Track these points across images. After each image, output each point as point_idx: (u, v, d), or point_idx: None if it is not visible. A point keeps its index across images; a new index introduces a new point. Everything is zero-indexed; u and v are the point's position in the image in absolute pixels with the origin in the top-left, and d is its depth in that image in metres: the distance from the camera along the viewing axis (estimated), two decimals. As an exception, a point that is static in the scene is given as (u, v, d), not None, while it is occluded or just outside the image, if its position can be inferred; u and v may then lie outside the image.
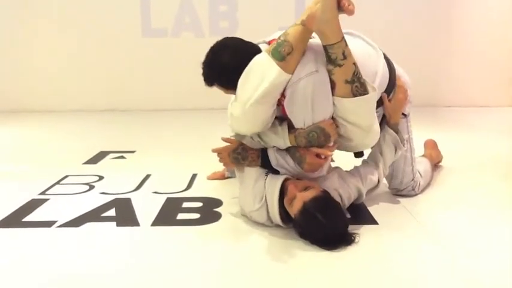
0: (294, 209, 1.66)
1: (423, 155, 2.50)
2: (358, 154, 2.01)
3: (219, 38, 4.75)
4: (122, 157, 3.00)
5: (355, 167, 2.01)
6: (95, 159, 2.93)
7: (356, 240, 1.67)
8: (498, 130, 3.81)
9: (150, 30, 4.76)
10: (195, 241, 1.77)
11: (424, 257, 1.60)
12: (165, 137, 3.64)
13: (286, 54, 1.65)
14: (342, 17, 1.68)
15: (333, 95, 1.71)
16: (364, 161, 2.03)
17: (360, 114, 1.74)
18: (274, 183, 1.77)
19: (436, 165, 2.55)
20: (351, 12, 1.64)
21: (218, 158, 1.97)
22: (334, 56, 1.66)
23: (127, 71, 4.80)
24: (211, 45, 1.78)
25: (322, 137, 1.73)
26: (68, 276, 1.51)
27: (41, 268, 1.56)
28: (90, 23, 4.70)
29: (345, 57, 1.66)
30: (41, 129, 3.99)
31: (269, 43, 1.81)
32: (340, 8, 1.63)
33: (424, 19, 4.72)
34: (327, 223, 1.61)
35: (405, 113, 2.06)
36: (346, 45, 1.67)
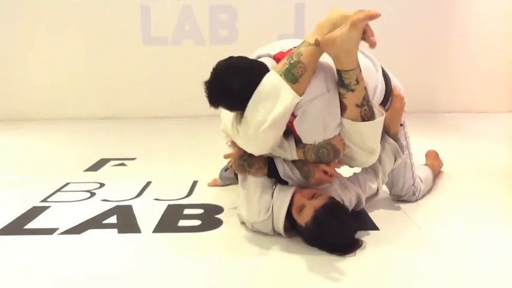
0: (304, 218, 1.66)
1: (425, 164, 2.50)
2: None
3: (220, 46, 4.77)
4: (123, 164, 3.00)
5: (355, 174, 2.01)
6: (95, 167, 2.94)
7: (363, 245, 1.68)
8: (498, 136, 3.82)
9: (150, 38, 4.79)
10: (196, 248, 1.77)
11: (424, 263, 1.61)
12: (166, 144, 3.65)
13: (299, 76, 1.62)
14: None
15: (341, 116, 1.71)
16: (363, 169, 2.04)
17: (366, 138, 1.75)
18: (283, 196, 1.77)
19: (438, 173, 2.55)
20: (374, 44, 1.61)
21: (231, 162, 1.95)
22: (348, 81, 1.66)
23: (127, 78, 4.82)
24: (215, 65, 1.70)
25: (332, 153, 1.73)
26: (69, 283, 1.51)
27: (43, 275, 1.57)
28: (90, 31, 4.72)
29: (357, 83, 1.66)
30: (40, 137, 3.99)
31: (275, 57, 1.79)
32: (364, 38, 1.62)
33: (423, 25, 4.74)
34: (339, 229, 1.63)
35: (400, 122, 2.07)
36: (360, 71, 1.67)
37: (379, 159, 1.97)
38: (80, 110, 4.81)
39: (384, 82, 1.91)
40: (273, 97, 1.62)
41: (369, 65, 1.87)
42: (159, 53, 4.77)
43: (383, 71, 1.95)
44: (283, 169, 1.82)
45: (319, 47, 1.64)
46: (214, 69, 1.69)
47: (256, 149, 1.77)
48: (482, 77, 4.83)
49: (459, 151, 3.18)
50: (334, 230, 1.63)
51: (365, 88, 1.70)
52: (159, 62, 4.79)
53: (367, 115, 1.71)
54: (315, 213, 1.63)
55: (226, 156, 2.01)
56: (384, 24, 4.92)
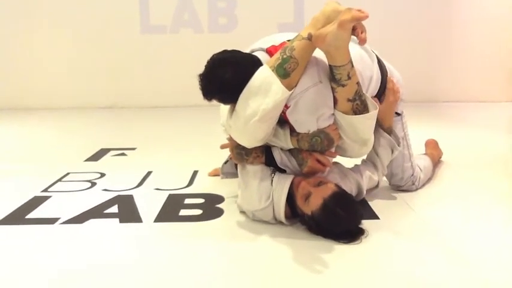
0: (311, 206, 1.67)
1: (424, 154, 2.51)
2: None
3: (218, 34, 4.75)
4: (123, 154, 3.01)
5: (356, 165, 2.02)
6: (96, 157, 2.94)
7: (366, 233, 1.71)
8: (497, 125, 3.83)
9: (148, 26, 4.76)
10: (198, 237, 1.78)
11: (424, 251, 1.62)
12: (166, 133, 3.65)
13: (291, 71, 1.64)
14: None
15: (334, 108, 1.73)
16: (363, 161, 2.05)
17: (359, 131, 1.77)
18: (283, 182, 1.78)
19: (437, 163, 2.56)
20: (363, 41, 1.64)
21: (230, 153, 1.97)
22: (339, 76, 1.67)
23: (126, 68, 4.80)
24: (209, 58, 1.72)
25: (326, 142, 1.75)
26: (72, 272, 1.52)
27: (45, 264, 1.58)
28: (89, 20, 4.70)
29: (349, 78, 1.67)
30: (40, 127, 3.99)
31: (267, 51, 1.80)
32: (354, 34, 1.63)
33: (423, 14, 4.72)
34: (347, 218, 1.66)
35: (398, 111, 2.07)
36: (352, 66, 1.68)
37: (376, 153, 1.98)
38: (79, 100, 4.80)
39: (379, 73, 1.92)
40: (264, 91, 1.64)
41: (364, 56, 1.88)
42: (157, 42, 4.75)
43: (379, 61, 1.95)
44: (280, 158, 1.83)
45: (311, 41, 1.65)
46: (208, 62, 1.71)
47: (247, 141, 1.79)
48: (482, 66, 4.82)
49: (458, 140, 3.19)
50: (343, 218, 1.65)
51: (357, 83, 1.71)
52: (158, 51, 4.77)
53: (359, 109, 1.73)
54: (323, 202, 1.64)
55: (222, 147, 2.03)
56: (383, 14, 4.91)
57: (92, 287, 1.44)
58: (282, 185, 1.77)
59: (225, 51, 1.74)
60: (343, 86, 1.68)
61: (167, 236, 1.80)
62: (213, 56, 1.72)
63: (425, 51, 4.77)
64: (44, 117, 4.37)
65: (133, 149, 3.12)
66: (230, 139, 1.94)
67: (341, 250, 1.62)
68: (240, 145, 1.85)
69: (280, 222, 1.81)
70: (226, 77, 1.66)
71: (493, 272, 1.49)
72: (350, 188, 1.91)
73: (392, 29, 4.52)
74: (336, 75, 1.67)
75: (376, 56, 1.95)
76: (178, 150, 3.06)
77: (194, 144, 3.19)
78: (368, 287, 1.42)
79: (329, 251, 1.62)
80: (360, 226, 1.73)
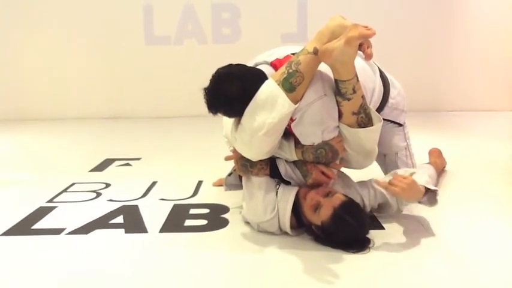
0: (322, 216, 1.67)
1: (428, 163, 2.51)
2: None
3: (222, 45, 4.78)
4: (128, 164, 3.02)
5: (370, 180, 1.97)
6: (101, 167, 2.95)
7: (372, 243, 1.71)
8: (501, 134, 3.82)
9: (153, 37, 4.80)
10: (204, 247, 1.78)
11: (429, 261, 1.61)
12: (170, 144, 3.66)
13: (297, 85, 1.66)
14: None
15: (338, 121, 1.75)
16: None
17: (363, 143, 1.78)
18: (288, 193, 1.79)
19: (441, 172, 2.56)
20: (369, 57, 1.67)
21: (234, 165, 1.98)
22: (344, 90, 1.69)
23: (131, 78, 4.83)
24: (214, 72, 1.72)
25: (331, 154, 1.76)
26: (77, 282, 1.53)
27: (51, 275, 1.58)
28: (93, 31, 4.73)
29: (354, 92, 1.69)
30: (45, 137, 4.01)
31: (272, 64, 1.81)
32: (360, 49, 1.66)
33: (426, 24, 4.74)
34: (357, 226, 1.67)
35: (401, 122, 2.08)
36: (357, 80, 1.70)
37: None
38: (83, 110, 4.82)
39: (381, 84, 1.93)
40: (270, 105, 1.65)
41: (366, 68, 1.89)
42: (162, 53, 4.78)
43: (381, 73, 1.97)
44: (285, 169, 1.84)
45: (317, 55, 1.67)
46: (213, 76, 1.72)
47: (253, 154, 1.80)
48: (486, 75, 4.82)
49: (462, 149, 3.19)
50: (353, 227, 1.66)
51: (362, 97, 1.73)
52: (162, 62, 4.80)
53: (364, 122, 1.75)
54: (334, 212, 1.64)
55: (227, 158, 2.04)
56: (386, 23, 4.92)
57: (98, 298, 1.44)
58: (287, 196, 1.78)
59: (230, 65, 1.75)
60: (348, 99, 1.70)
61: (172, 246, 1.80)
62: (218, 70, 1.73)
63: (428, 61, 4.78)
64: (48, 127, 4.39)
65: (138, 159, 3.13)
66: (234, 151, 1.95)
67: (347, 260, 1.62)
68: (244, 157, 1.85)
69: (286, 233, 1.81)
70: (232, 91, 1.67)
71: (500, 282, 1.48)
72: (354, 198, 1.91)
73: (395, 39, 4.53)
74: (341, 89, 1.69)
75: (378, 67, 1.97)
76: (183, 160, 3.07)
77: (199, 154, 3.20)
78: (374, 297, 1.42)
79: (334, 261, 1.62)
80: (367, 236, 1.74)
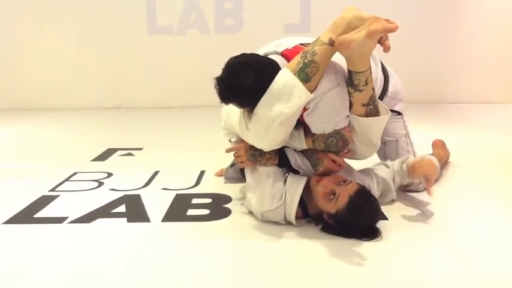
0: (338, 204, 1.67)
1: (432, 154, 2.50)
2: None
3: (225, 35, 4.74)
4: (130, 154, 3.01)
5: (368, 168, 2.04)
6: (103, 157, 2.95)
7: (380, 232, 1.73)
8: (505, 126, 3.80)
9: (155, 27, 4.77)
10: (206, 237, 1.78)
11: (433, 252, 1.61)
12: (172, 134, 3.65)
13: (312, 76, 1.65)
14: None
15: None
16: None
17: (369, 134, 1.80)
18: (297, 182, 1.78)
19: (445, 164, 2.55)
20: (388, 49, 1.66)
21: (235, 157, 1.97)
22: (357, 82, 1.69)
23: (133, 68, 4.81)
24: (227, 61, 1.70)
25: (341, 143, 1.77)
26: (79, 270, 1.53)
27: (53, 263, 1.58)
28: (96, 20, 4.71)
29: (366, 84, 1.70)
30: (47, 127, 4.01)
31: (283, 54, 1.80)
32: (379, 42, 1.65)
33: (428, 15, 4.70)
34: (373, 214, 1.70)
35: (400, 111, 2.11)
36: (370, 73, 1.71)
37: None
38: (86, 101, 4.81)
39: (382, 76, 1.95)
40: (286, 95, 1.64)
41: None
42: (164, 43, 4.76)
43: (382, 66, 1.99)
44: (294, 159, 1.84)
45: (333, 46, 1.66)
46: (226, 65, 1.70)
47: (267, 144, 1.79)
48: (489, 67, 4.79)
49: (466, 142, 3.17)
50: (368, 214, 1.69)
51: (373, 89, 1.74)
52: (165, 52, 4.78)
53: (372, 113, 1.76)
54: (350, 200, 1.65)
55: (228, 150, 2.01)
56: (389, 15, 4.87)
57: (100, 286, 1.44)
58: (296, 185, 1.78)
59: (243, 54, 1.73)
60: (360, 91, 1.71)
61: (175, 235, 1.80)
62: (231, 59, 1.71)
63: (431, 53, 4.75)
64: (51, 117, 4.39)
65: (141, 149, 3.12)
66: (237, 142, 1.94)
67: (351, 250, 1.62)
68: (253, 147, 1.85)
69: (289, 223, 1.81)
70: (246, 81, 1.65)
71: (503, 273, 1.48)
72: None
73: (399, 31, 4.50)
74: (354, 80, 1.69)
75: (379, 59, 1.99)
76: (185, 150, 3.06)
77: (201, 144, 3.19)
78: (376, 286, 1.42)
79: (334, 251, 1.62)
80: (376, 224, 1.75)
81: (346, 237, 1.68)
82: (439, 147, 2.62)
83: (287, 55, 1.79)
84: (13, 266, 1.57)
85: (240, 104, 1.75)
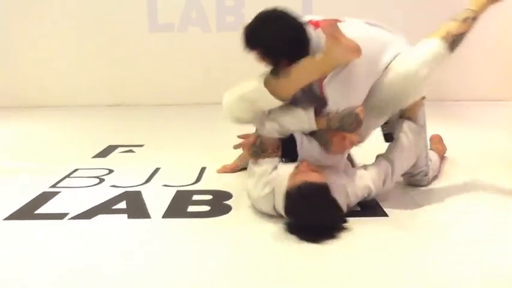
0: (290, 183, 1.69)
1: (430, 149, 2.50)
2: (388, 137, 2.04)
3: (226, 32, 4.74)
4: (131, 151, 3.01)
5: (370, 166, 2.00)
6: (103, 153, 2.95)
7: (336, 235, 1.67)
8: (507, 124, 3.79)
9: (156, 25, 4.76)
10: (206, 233, 1.78)
11: (432, 250, 1.61)
12: (173, 131, 3.65)
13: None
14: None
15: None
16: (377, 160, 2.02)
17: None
18: (285, 170, 1.77)
19: (442, 158, 2.56)
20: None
21: (243, 151, 2.02)
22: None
23: (134, 66, 4.81)
24: (260, 12, 1.80)
25: (355, 123, 1.79)
26: (81, 266, 1.53)
27: (54, 259, 1.58)
28: (97, 18, 4.71)
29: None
30: (48, 124, 4.01)
31: (310, 23, 1.83)
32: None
33: (432, 13, 4.68)
34: (309, 213, 1.65)
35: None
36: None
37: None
38: (87, 98, 4.81)
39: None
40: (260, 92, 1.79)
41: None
42: (165, 40, 4.75)
43: None
44: (301, 141, 1.84)
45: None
46: (260, 13, 1.81)
47: (226, 112, 1.92)
48: (493, 65, 4.77)
49: (468, 139, 3.16)
50: (302, 211, 1.66)
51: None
52: (166, 49, 4.77)
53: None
54: (293, 187, 1.66)
55: (236, 147, 2.02)
56: (392, 13, 4.86)
57: (100, 282, 1.44)
58: (283, 173, 1.77)
59: (275, 7, 1.83)
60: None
61: (175, 231, 1.80)
62: (263, 11, 1.81)
63: (434, 50, 4.73)
64: (52, 115, 4.39)
65: (141, 145, 3.12)
66: (244, 136, 1.95)
67: (350, 249, 1.62)
68: (255, 144, 1.87)
69: (281, 216, 1.79)
70: (275, 30, 1.74)
71: (506, 272, 1.47)
72: (356, 192, 1.87)
73: (401, 28, 4.49)
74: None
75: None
76: (186, 147, 3.06)
77: (202, 141, 3.18)
78: (375, 284, 1.41)
79: (334, 248, 1.61)
80: (328, 231, 1.68)
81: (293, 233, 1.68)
82: (437, 141, 2.63)
83: (316, 24, 1.81)
84: (14, 262, 1.57)
85: (262, 52, 1.79)
